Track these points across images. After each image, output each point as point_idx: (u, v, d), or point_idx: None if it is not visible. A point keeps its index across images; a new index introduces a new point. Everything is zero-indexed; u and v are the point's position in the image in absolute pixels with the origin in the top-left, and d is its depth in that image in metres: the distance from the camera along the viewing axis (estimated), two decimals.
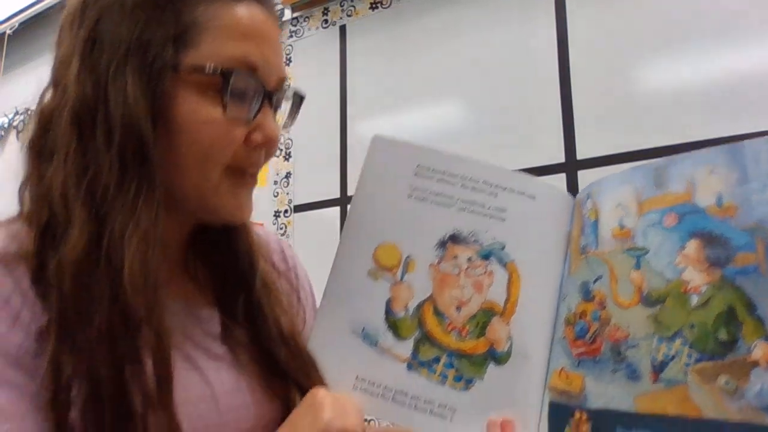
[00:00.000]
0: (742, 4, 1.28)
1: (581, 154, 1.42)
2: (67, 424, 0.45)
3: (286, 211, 1.91)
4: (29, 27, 2.60)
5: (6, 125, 2.72)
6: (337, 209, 1.81)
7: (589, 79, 1.45)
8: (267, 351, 0.59)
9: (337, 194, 1.82)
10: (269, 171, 1.97)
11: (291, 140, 1.94)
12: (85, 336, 0.45)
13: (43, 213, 0.50)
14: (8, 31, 2.61)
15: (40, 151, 0.52)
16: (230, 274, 0.62)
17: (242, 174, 0.55)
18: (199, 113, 0.51)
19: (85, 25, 0.52)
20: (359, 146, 1.81)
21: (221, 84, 0.51)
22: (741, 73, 1.27)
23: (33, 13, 2.53)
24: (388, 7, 1.82)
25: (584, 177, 1.37)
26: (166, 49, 0.50)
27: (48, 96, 0.54)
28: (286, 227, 1.90)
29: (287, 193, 1.92)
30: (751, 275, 0.47)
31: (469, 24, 1.66)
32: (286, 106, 0.61)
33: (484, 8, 1.63)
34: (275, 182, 1.95)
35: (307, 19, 1.99)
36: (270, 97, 0.55)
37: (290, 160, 1.93)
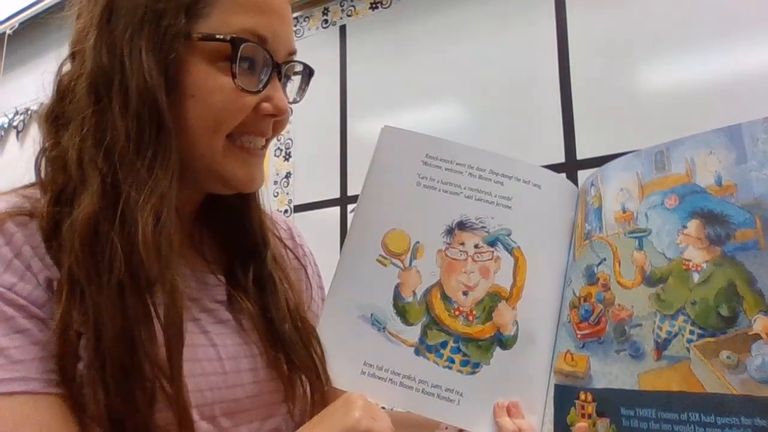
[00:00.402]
0: (742, 4, 1.29)
1: (581, 154, 1.42)
2: (74, 376, 0.47)
3: (286, 211, 1.92)
4: (29, 27, 2.59)
5: (6, 125, 2.70)
6: (337, 209, 1.82)
7: (589, 80, 1.46)
8: (271, 322, 0.60)
9: (337, 194, 1.83)
10: (269, 171, 1.99)
11: (291, 140, 1.96)
12: (95, 294, 0.47)
13: (59, 177, 0.52)
14: (8, 31, 2.58)
15: (56, 119, 0.54)
16: (242, 244, 0.63)
17: (249, 138, 0.56)
18: (209, 81, 0.52)
19: None
20: (359, 146, 1.82)
21: (231, 52, 0.52)
22: (741, 73, 1.27)
23: (33, 13, 2.50)
24: (388, 7, 1.83)
25: (584, 177, 1.34)
26: (179, 18, 0.51)
27: (66, 67, 0.56)
28: None
29: (287, 193, 1.94)
30: (751, 251, 0.48)
31: (470, 24, 1.67)
32: (295, 80, 0.63)
33: (485, 9, 1.64)
34: (275, 182, 1.97)
35: (307, 19, 2.00)
36: (279, 69, 0.56)
37: (290, 160, 1.95)
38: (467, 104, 1.66)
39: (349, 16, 1.90)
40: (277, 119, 0.57)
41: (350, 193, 1.80)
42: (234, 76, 0.52)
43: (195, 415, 0.52)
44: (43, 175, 0.53)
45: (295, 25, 2.02)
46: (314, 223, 1.85)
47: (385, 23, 1.83)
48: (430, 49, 1.73)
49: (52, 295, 0.48)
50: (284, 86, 0.58)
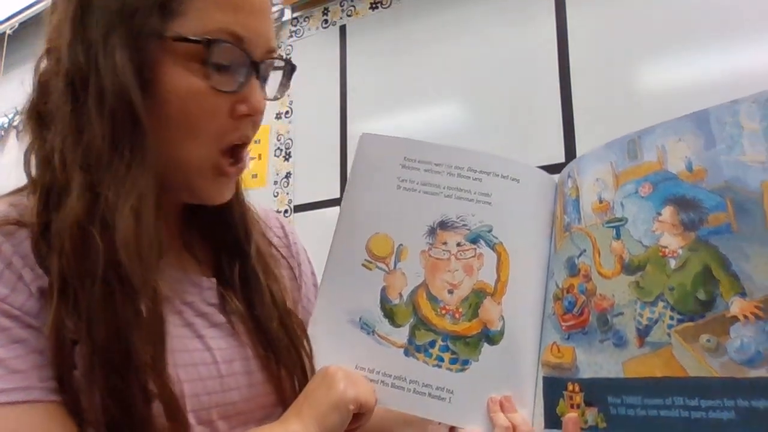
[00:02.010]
0: (742, 4, 1.29)
1: (581, 153, 1.41)
2: (71, 382, 0.47)
3: (286, 211, 1.93)
4: (29, 27, 2.59)
5: (6, 125, 2.71)
6: (336, 209, 1.80)
7: (589, 79, 1.46)
8: (257, 319, 0.60)
9: (337, 194, 1.84)
10: (269, 171, 1.99)
11: (291, 140, 1.97)
12: (85, 298, 0.47)
13: (46, 177, 0.51)
14: (8, 31, 2.59)
15: (39, 116, 0.53)
16: (226, 243, 0.63)
17: (231, 154, 0.55)
18: (184, 83, 0.51)
19: None
20: None
21: (205, 54, 0.51)
22: (741, 72, 1.27)
23: (33, 13, 2.50)
24: (388, 7, 1.83)
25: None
26: (152, 16, 0.50)
27: (43, 63, 0.55)
28: None
29: (287, 193, 1.94)
30: (724, 234, 0.49)
31: (469, 24, 1.67)
32: (276, 76, 0.61)
33: (484, 8, 1.65)
34: (275, 182, 1.97)
35: (307, 19, 2.01)
36: (257, 68, 0.54)
37: (290, 160, 1.95)
38: (467, 104, 1.67)
39: (349, 16, 1.91)
40: (255, 121, 0.56)
41: None
42: (208, 78, 0.51)
43: (192, 420, 0.53)
44: (33, 173, 0.53)
45: (295, 25, 2.02)
46: (314, 223, 1.86)
47: (385, 23, 1.83)
48: (430, 49, 1.73)
49: (45, 304, 0.48)
50: (263, 85, 0.57)
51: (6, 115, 2.75)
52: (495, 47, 1.62)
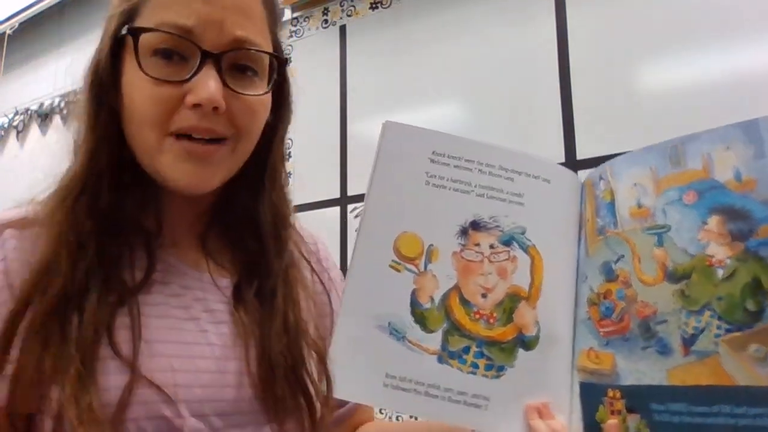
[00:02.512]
0: (742, 4, 1.31)
1: (581, 153, 1.44)
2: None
3: None
4: (29, 27, 2.60)
5: (6, 125, 2.70)
6: (337, 209, 1.81)
7: (589, 79, 1.47)
8: (262, 335, 0.59)
9: (337, 194, 1.82)
10: None
11: (291, 140, 1.91)
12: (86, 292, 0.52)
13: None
14: (8, 31, 2.61)
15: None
16: (250, 251, 0.62)
17: (190, 141, 0.54)
18: (131, 74, 0.54)
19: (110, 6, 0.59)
20: (359, 146, 1.81)
21: (144, 46, 0.53)
22: (741, 72, 1.29)
23: (33, 13, 2.54)
24: (388, 7, 1.82)
25: (584, 177, 1.35)
26: (122, 19, 0.55)
27: None
28: None
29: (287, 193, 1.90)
30: None
31: (469, 24, 1.67)
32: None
33: (484, 8, 1.64)
34: None
35: (307, 19, 1.98)
36: (214, 58, 0.54)
37: (290, 160, 1.90)
38: (467, 104, 1.66)
39: (349, 16, 1.87)
40: (231, 115, 0.55)
41: (350, 193, 1.78)
42: (139, 66, 0.53)
43: (185, 411, 0.52)
44: None
45: (295, 25, 1.97)
46: (314, 223, 1.80)
47: (385, 23, 1.81)
48: (430, 49, 1.72)
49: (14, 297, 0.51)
50: (239, 79, 0.55)
51: (6, 115, 2.67)
52: (495, 47, 1.62)
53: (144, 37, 0.53)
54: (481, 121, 1.62)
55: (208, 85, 0.53)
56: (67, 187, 0.55)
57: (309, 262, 0.66)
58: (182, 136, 0.54)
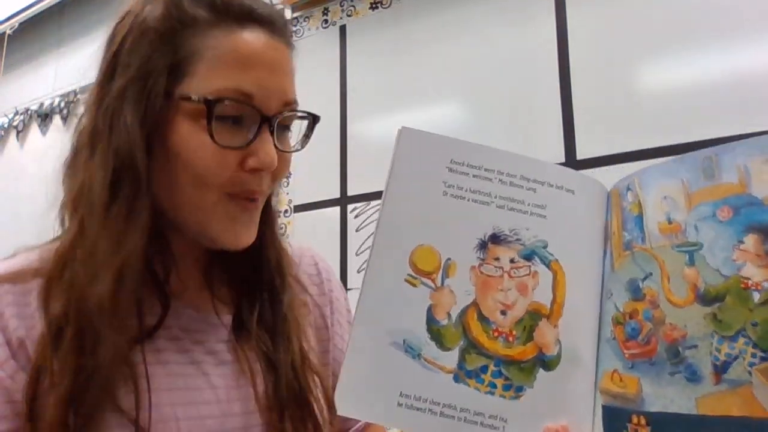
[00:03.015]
0: (742, 4, 1.28)
1: (581, 154, 1.41)
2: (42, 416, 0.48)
3: (286, 211, 1.90)
4: (29, 27, 2.63)
5: (6, 125, 2.74)
6: (337, 209, 1.81)
7: (589, 79, 1.45)
8: (275, 368, 0.60)
9: (337, 194, 1.82)
10: None
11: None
12: (58, 354, 0.49)
13: (70, 229, 0.55)
14: (8, 31, 2.64)
15: (69, 170, 0.57)
16: (252, 282, 0.62)
17: (239, 199, 0.56)
18: (192, 139, 0.53)
19: (107, 56, 0.56)
20: (359, 146, 1.81)
21: (209, 112, 0.53)
22: (741, 72, 1.27)
23: (33, 13, 2.57)
24: (388, 7, 1.81)
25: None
26: (162, 77, 0.53)
27: (81, 123, 0.58)
28: (286, 227, 1.89)
29: (287, 193, 1.91)
30: None
31: (469, 24, 1.65)
32: (301, 126, 0.62)
33: (484, 8, 1.62)
34: None
35: (307, 19, 1.98)
36: (270, 122, 0.55)
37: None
38: (467, 104, 1.64)
39: (349, 16, 1.87)
40: (274, 172, 0.57)
41: (350, 193, 1.78)
42: (212, 135, 0.53)
43: None
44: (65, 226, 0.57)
45: (295, 25, 1.97)
46: (314, 223, 1.83)
47: (385, 23, 1.80)
48: (430, 49, 1.71)
49: (12, 355, 0.51)
50: (281, 137, 0.57)
51: (6, 115, 2.73)
52: (495, 47, 1.60)
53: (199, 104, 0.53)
54: (481, 121, 1.61)
55: (269, 150, 0.55)
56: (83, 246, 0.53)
57: (303, 285, 0.66)
58: (229, 195, 0.55)
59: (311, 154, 1.86)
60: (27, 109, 2.65)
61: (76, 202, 0.54)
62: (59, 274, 0.52)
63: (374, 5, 1.84)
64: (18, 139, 2.65)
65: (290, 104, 0.58)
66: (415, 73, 1.74)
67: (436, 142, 0.60)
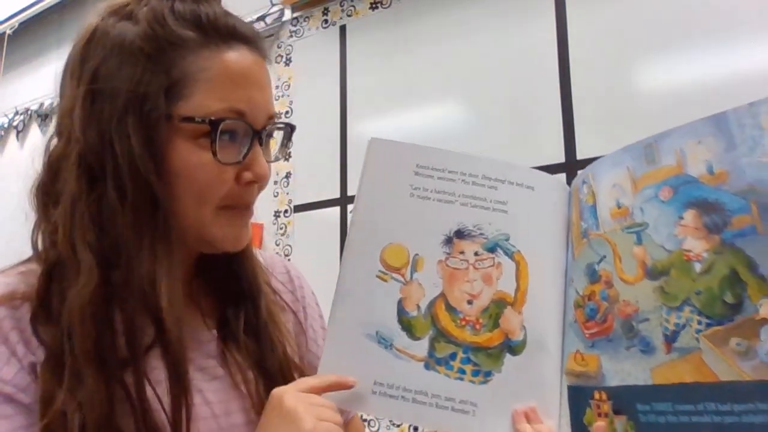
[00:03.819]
0: (742, 3, 1.30)
1: (581, 154, 1.43)
2: None
3: (286, 211, 1.91)
4: (29, 27, 2.61)
5: (6, 125, 2.72)
6: (337, 209, 1.81)
7: (589, 79, 1.46)
8: (264, 372, 0.62)
9: (337, 194, 1.82)
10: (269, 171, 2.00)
11: (291, 140, 1.95)
12: (93, 374, 0.49)
13: (51, 255, 0.54)
14: (8, 31, 2.61)
15: (47, 194, 0.56)
16: (233, 295, 0.64)
17: (237, 209, 0.59)
18: (193, 158, 0.54)
19: (84, 77, 0.55)
20: (359, 146, 1.81)
21: (211, 132, 0.54)
22: (741, 72, 1.28)
23: (33, 13, 2.56)
24: (388, 7, 1.83)
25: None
26: (160, 101, 0.53)
27: (53, 143, 0.57)
28: (286, 227, 1.89)
29: (287, 193, 1.93)
30: (749, 236, 0.48)
31: (469, 24, 1.67)
32: (278, 136, 0.65)
33: (484, 8, 1.65)
34: (275, 182, 1.96)
35: (307, 19, 2.00)
36: (259, 135, 0.58)
37: (290, 160, 1.93)
38: (467, 104, 1.66)
39: (349, 16, 1.90)
40: (258, 184, 0.59)
41: (350, 193, 1.79)
42: (215, 154, 0.54)
43: None
44: (40, 248, 0.55)
45: (295, 25, 2.01)
46: (314, 223, 1.84)
47: (385, 23, 1.82)
48: (430, 49, 1.73)
49: (35, 379, 0.50)
50: (265, 149, 0.60)
51: (6, 115, 2.75)
52: (495, 47, 1.62)
53: (202, 124, 0.54)
54: (481, 121, 1.61)
55: (263, 163, 0.58)
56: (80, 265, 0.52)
57: (274, 290, 0.68)
58: (225, 206, 0.57)
59: (311, 154, 1.90)
60: (27, 109, 2.62)
61: (73, 231, 0.52)
62: (46, 300, 0.52)
63: (374, 5, 1.85)
64: (18, 139, 2.63)
65: (273, 117, 0.60)
66: (416, 73, 1.75)
67: (403, 149, 0.65)
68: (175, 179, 0.54)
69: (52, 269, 0.53)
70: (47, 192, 0.56)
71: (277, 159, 0.64)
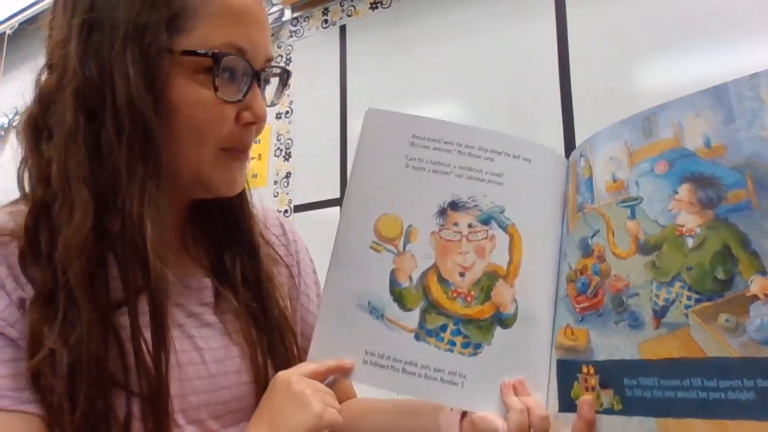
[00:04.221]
0: (743, 3, 1.28)
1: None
2: (48, 393, 0.48)
3: (286, 211, 1.93)
4: (29, 27, 2.58)
5: (6, 125, 2.72)
6: (337, 209, 1.83)
7: (589, 79, 1.46)
8: (257, 319, 0.61)
9: (337, 194, 1.84)
10: (269, 171, 1.99)
11: (291, 140, 1.96)
12: (87, 310, 0.48)
13: (41, 189, 0.52)
14: (8, 31, 2.60)
15: (38, 129, 0.54)
16: (229, 242, 0.64)
17: (235, 151, 0.58)
18: (192, 94, 0.53)
19: (79, 7, 0.53)
20: None
21: (213, 67, 0.53)
22: (741, 73, 1.26)
23: (33, 13, 2.54)
24: (388, 7, 1.83)
25: None
26: (161, 33, 0.52)
27: (44, 76, 0.56)
28: None
29: (287, 193, 1.95)
30: (743, 211, 0.47)
31: (469, 24, 1.67)
32: (273, 82, 0.63)
33: (484, 8, 1.65)
34: (275, 182, 1.97)
35: (307, 19, 2.01)
36: (258, 76, 0.57)
37: (290, 160, 1.95)
38: (467, 103, 1.67)
39: (349, 16, 1.91)
40: (256, 126, 0.58)
41: None
42: (216, 89, 0.53)
43: (181, 419, 0.54)
44: (26, 186, 0.54)
45: (295, 25, 2.02)
46: (314, 223, 1.86)
47: (385, 23, 1.84)
48: (430, 49, 1.73)
49: (24, 314, 0.49)
50: (263, 92, 0.59)
51: (6, 115, 2.77)
52: (495, 47, 1.62)
53: (203, 57, 0.52)
54: (482, 120, 1.62)
55: (262, 103, 0.57)
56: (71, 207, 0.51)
57: (270, 244, 0.68)
58: (224, 149, 0.56)
59: (311, 154, 1.91)
60: None
61: (68, 166, 0.51)
62: (35, 238, 0.51)
63: (374, 5, 1.86)
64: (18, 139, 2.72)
65: (271, 59, 0.59)
66: (415, 72, 1.76)
67: (399, 119, 0.64)
68: (173, 116, 0.53)
69: (42, 206, 0.52)
70: (38, 126, 0.54)
71: (273, 104, 0.63)
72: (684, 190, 0.51)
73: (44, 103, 0.54)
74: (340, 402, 0.73)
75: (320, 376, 0.56)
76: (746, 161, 0.48)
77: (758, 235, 0.46)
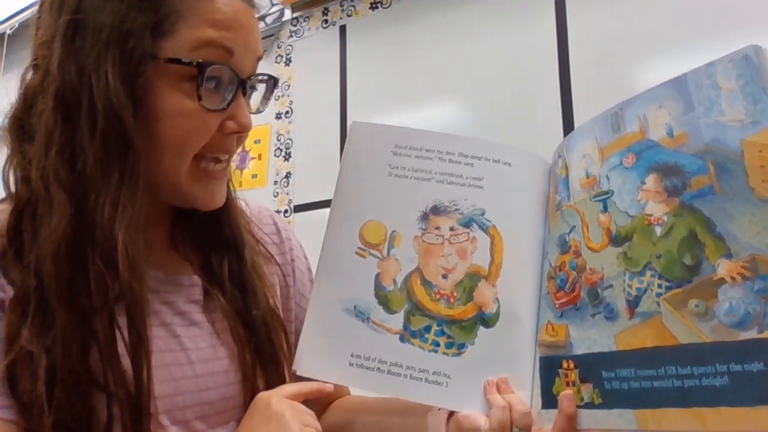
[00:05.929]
0: (742, 3, 1.28)
1: None
2: (24, 397, 0.48)
3: (286, 211, 1.94)
4: (29, 27, 2.60)
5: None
6: None
7: (589, 79, 1.46)
8: (246, 320, 0.61)
9: None
10: (269, 171, 2.00)
11: (291, 140, 1.98)
12: (63, 314, 0.48)
13: (24, 192, 0.52)
14: (8, 31, 2.56)
15: (21, 129, 0.54)
16: (217, 242, 0.63)
17: (211, 161, 0.57)
18: (175, 104, 0.52)
19: (66, 7, 0.52)
20: None
21: (197, 75, 0.52)
22: None
23: (33, 13, 2.50)
24: (388, 7, 1.84)
25: None
26: (145, 38, 0.50)
27: (29, 76, 0.55)
28: None
29: (287, 193, 1.95)
30: (707, 197, 0.48)
31: (469, 24, 1.68)
32: (260, 89, 0.63)
33: (484, 8, 1.65)
34: (275, 182, 1.98)
35: (307, 19, 2.02)
36: (244, 85, 0.56)
37: (290, 160, 1.96)
38: (467, 104, 1.67)
39: (349, 16, 1.92)
40: (239, 135, 0.57)
41: None
42: (200, 99, 0.52)
43: (165, 420, 0.53)
44: (11, 187, 0.54)
45: (295, 25, 2.03)
46: (314, 223, 1.85)
47: (385, 23, 1.84)
48: (430, 49, 1.74)
49: (2, 317, 0.49)
50: (248, 99, 0.58)
51: (6, 115, 2.84)
52: (495, 47, 1.62)
53: (188, 66, 0.51)
54: (481, 121, 1.61)
55: (247, 113, 0.56)
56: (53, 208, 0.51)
57: (261, 242, 0.68)
58: (205, 157, 0.55)
59: (311, 154, 1.91)
60: None
61: (47, 169, 0.50)
62: (17, 238, 0.50)
63: (374, 5, 1.86)
64: None
65: (260, 58, 0.58)
66: (415, 73, 1.75)
67: (382, 130, 0.67)
68: (153, 124, 0.51)
69: (24, 207, 0.51)
70: (22, 126, 0.54)
71: (259, 111, 0.62)
72: (651, 180, 0.52)
73: (28, 102, 0.54)
74: (334, 400, 0.74)
75: (301, 398, 0.57)
76: (707, 147, 0.48)
77: (722, 218, 0.46)
